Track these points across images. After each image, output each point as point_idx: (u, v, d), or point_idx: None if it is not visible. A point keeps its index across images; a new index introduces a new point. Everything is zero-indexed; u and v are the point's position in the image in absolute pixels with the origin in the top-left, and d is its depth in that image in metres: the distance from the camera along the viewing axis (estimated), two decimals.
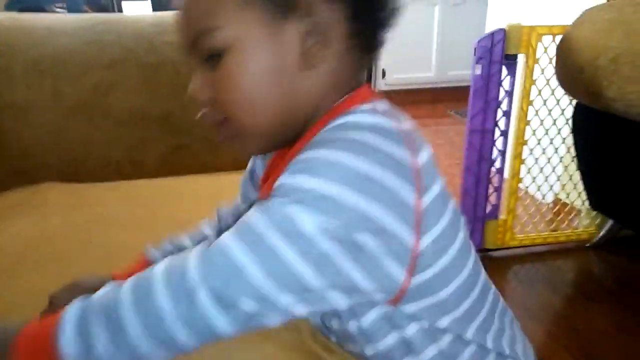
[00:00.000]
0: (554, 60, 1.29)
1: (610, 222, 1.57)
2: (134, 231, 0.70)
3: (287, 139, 0.45)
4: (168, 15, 1.24)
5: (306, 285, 0.35)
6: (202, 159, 1.04)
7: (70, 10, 1.73)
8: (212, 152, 1.03)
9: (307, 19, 0.42)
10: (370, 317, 0.44)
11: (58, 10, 1.72)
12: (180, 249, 0.58)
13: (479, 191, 1.50)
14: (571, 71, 1.19)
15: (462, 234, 0.45)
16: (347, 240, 0.36)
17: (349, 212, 0.36)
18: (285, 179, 0.37)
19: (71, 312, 0.36)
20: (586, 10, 1.21)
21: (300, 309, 0.36)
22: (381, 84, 3.46)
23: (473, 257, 0.48)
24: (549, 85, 1.45)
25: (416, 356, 0.45)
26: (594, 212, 1.57)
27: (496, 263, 1.55)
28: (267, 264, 0.35)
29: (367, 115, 0.42)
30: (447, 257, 0.43)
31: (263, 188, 0.49)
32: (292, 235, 0.35)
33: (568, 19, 1.25)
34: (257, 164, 0.58)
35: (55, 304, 0.48)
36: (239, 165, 1.02)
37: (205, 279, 0.35)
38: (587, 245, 1.61)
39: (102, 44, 1.03)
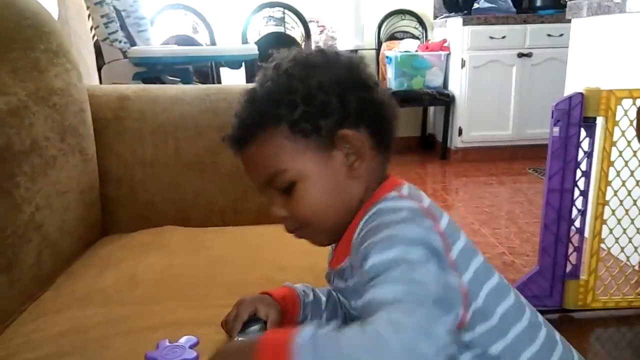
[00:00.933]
0: (634, 122, 1.32)
1: None
2: (245, 271, 0.83)
3: (345, 228, 0.60)
4: None
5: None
6: None
7: (183, 80, 1.99)
8: None
9: (345, 145, 0.58)
10: None
11: (171, 79, 2.00)
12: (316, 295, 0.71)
13: (558, 250, 1.50)
14: None
15: (497, 275, 0.58)
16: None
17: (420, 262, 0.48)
18: (374, 259, 0.49)
19: (306, 335, 0.42)
20: None
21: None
22: (457, 141, 3.52)
23: (514, 294, 0.59)
24: (630, 147, 1.47)
25: None
26: None
27: (577, 325, 1.52)
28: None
29: (396, 200, 0.56)
30: (487, 289, 0.55)
31: (331, 265, 0.64)
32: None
33: None
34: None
35: (240, 309, 0.63)
36: None
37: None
38: None
39: (215, 111, 1.21)
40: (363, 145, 0.58)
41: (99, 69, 2.02)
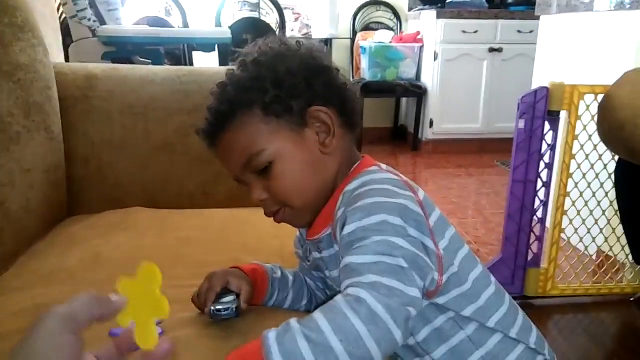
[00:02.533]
0: (596, 117, 1.37)
1: None
2: (213, 252, 0.83)
3: (322, 206, 0.62)
4: None
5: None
6: None
7: (154, 61, 1.96)
8: None
9: (316, 124, 0.61)
10: None
11: (143, 61, 1.96)
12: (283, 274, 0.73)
13: (520, 239, 1.55)
14: (612, 128, 1.26)
15: (467, 247, 0.63)
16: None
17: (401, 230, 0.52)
18: (354, 225, 0.52)
19: (272, 336, 0.44)
20: (627, 72, 1.29)
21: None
22: (429, 133, 3.57)
23: (481, 264, 0.63)
24: (592, 141, 1.52)
25: (447, 342, 0.58)
26: (639, 267, 1.59)
27: (537, 311, 1.58)
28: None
29: (377, 173, 0.60)
30: (460, 258, 0.60)
31: (308, 236, 0.65)
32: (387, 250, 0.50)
33: (609, 79, 1.33)
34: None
35: (212, 281, 0.64)
36: None
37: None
38: (631, 299, 1.62)
39: (185, 93, 1.19)
40: (332, 122, 0.61)
41: (67, 48, 1.97)
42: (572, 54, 2.03)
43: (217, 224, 0.97)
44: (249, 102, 0.59)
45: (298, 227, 0.67)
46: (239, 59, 0.63)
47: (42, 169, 1.00)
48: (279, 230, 0.88)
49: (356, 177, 0.60)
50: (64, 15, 1.92)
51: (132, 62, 1.90)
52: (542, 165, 1.52)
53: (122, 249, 0.83)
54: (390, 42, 3.57)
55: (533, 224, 1.56)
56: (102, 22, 1.92)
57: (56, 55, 1.84)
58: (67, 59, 1.97)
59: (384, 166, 0.63)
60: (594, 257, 1.75)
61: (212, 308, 0.62)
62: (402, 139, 3.98)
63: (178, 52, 2.35)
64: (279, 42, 0.64)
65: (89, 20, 1.85)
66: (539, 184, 1.53)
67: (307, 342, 0.42)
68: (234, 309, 0.62)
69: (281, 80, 0.60)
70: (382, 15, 3.91)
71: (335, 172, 0.63)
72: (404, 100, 4.02)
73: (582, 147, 1.53)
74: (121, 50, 1.89)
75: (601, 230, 1.62)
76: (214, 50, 2.30)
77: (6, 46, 0.97)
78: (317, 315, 0.45)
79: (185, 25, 3.31)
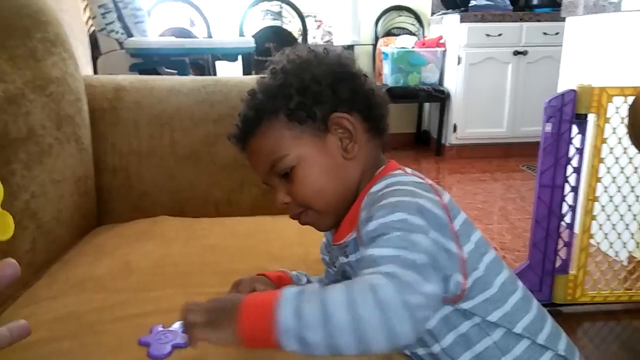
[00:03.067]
0: (625, 120, 1.33)
1: None
2: (239, 260, 0.84)
3: (346, 210, 0.63)
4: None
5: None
6: None
7: (180, 72, 2.00)
8: None
9: (339, 130, 0.62)
10: (434, 320, 0.57)
11: (168, 71, 2.00)
12: (309, 281, 0.75)
13: (548, 245, 1.52)
14: None
15: (493, 251, 0.62)
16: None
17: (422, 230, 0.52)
18: (376, 222, 0.52)
19: (290, 292, 0.45)
20: None
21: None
22: (452, 138, 3.54)
23: (507, 268, 0.62)
24: (621, 144, 1.49)
25: (472, 348, 0.57)
26: None
27: (566, 318, 1.54)
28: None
29: (402, 176, 0.61)
30: (486, 262, 0.59)
31: (335, 240, 0.66)
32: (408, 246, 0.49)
33: (638, 81, 1.31)
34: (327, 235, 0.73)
35: (239, 288, 0.67)
36: None
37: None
38: None
39: (211, 102, 1.21)
40: (355, 129, 0.62)
41: (95, 60, 2.02)
42: (599, 55, 1.99)
43: (243, 231, 0.98)
44: (274, 109, 0.62)
45: (321, 229, 0.68)
46: (270, 67, 0.65)
47: (72, 180, 1.03)
48: (303, 238, 0.89)
49: (380, 179, 0.60)
50: (92, 28, 1.98)
51: (158, 73, 1.94)
52: (569, 169, 1.49)
53: (150, 257, 0.84)
54: (413, 47, 3.56)
55: (561, 230, 1.53)
56: (129, 34, 1.97)
57: (85, 67, 1.90)
58: (95, 71, 2.02)
59: (408, 170, 0.64)
60: (624, 263, 1.71)
61: None
62: (425, 145, 3.95)
63: (202, 62, 2.39)
64: (307, 50, 0.66)
65: (117, 32, 1.90)
66: (567, 188, 1.50)
67: (318, 308, 0.43)
68: None
69: (306, 87, 0.61)
70: (404, 20, 3.90)
71: (357, 176, 0.64)
72: (426, 105, 3.99)
73: (611, 150, 1.49)
74: (147, 61, 1.94)
75: (632, 235, 1.58)
76: (237, 59, 2.33)
77: (39, 61, 1.00)
78: (337, 286, 0.45)
79: (209, 36, 3.36)
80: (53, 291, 0.76)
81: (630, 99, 1.30)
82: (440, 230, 0.53)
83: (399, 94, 3.44)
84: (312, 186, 0.62)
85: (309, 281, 0.72)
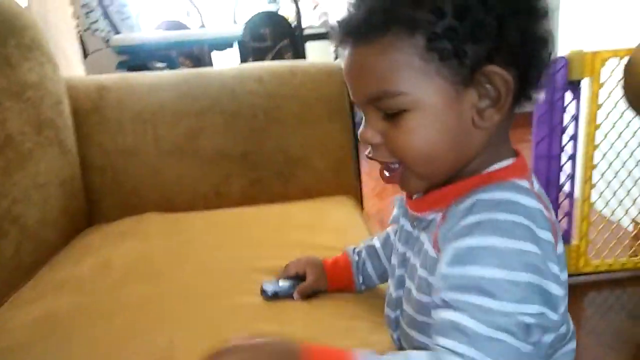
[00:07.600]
0: (620, 83, 1.30)
1: None
2: (219, 251, 0.84)
3: (442, 180, 0.50)
4: (247, 67, 1.42)
5: None
6: (276, 190, 1.18)
7: (169, 65, 1.99)
8: (283, 184, 1.17)
9: (486, 85, 0.45)
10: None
11: (159, 65, 2.00)
12: (370, 246, 0.71)
13: None
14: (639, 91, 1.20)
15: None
16: None
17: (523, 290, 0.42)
18: (453, 269, 0.43)
19: (364, 355, 0.42)
20: None
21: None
22: None
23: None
24: (617, 108, 1.45)
25: None
26: None
27: (571, 290, 1.49)
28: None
29: (525, 197, 0.45)
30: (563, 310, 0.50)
31: (411, 207, 0.54)
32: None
33: (632, 42, 1.27)
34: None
35: (288, 269, 0.72)
36: (306, 196, 1.16)
37: None
38: None
39: (192, 96, 1.21)
40: (507, 91, 0.45)
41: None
42: (592, 19, 1.93)
43: (224, 223, 0.99)
44: (413, 23, 0.44)
45: (404, 190, 0.53)
46: None
47: (57, 182, 1.04)
48: (290, 221, 0.89)
49: (494, 185, 0.46)
50: (79, 28, 1.98)
51: (147, 68, 1.94)
52: (565, 138, 1.46)
53: (129, 254, 0.86)
54: None
55: (560, 200, 1.50)
56: (117, 31, 1.97)
57: (76, 67, 1.91)
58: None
59: (535, 182, 0.50)
60: (629, 229, 1.67)
61: (262, 285, 0.69)
62: None
63: (197, 52, 2.38)
64: None
65: (102, 31, 1.90)
66: (564, 157, 1.47)
67: None
68: (273, 294, 0.68)
69: (467, 10, 0.43)
70: None
71: (475, 152, 0.48)
72: None
73: (607, 115, 1.45)
74: (134, 57, 1.94)
75: (634, 200, 1.55)
76: (226, 49, 2.31)
77: (14, 67, 1.00)
78: None
79: (203, 26, 3.34)
80: (35, 294, 0.78)
81: (625, 61, 1.26)
82: (542, 298, 0.43)
83: None
84: (420, 143, 0.46)
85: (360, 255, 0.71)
